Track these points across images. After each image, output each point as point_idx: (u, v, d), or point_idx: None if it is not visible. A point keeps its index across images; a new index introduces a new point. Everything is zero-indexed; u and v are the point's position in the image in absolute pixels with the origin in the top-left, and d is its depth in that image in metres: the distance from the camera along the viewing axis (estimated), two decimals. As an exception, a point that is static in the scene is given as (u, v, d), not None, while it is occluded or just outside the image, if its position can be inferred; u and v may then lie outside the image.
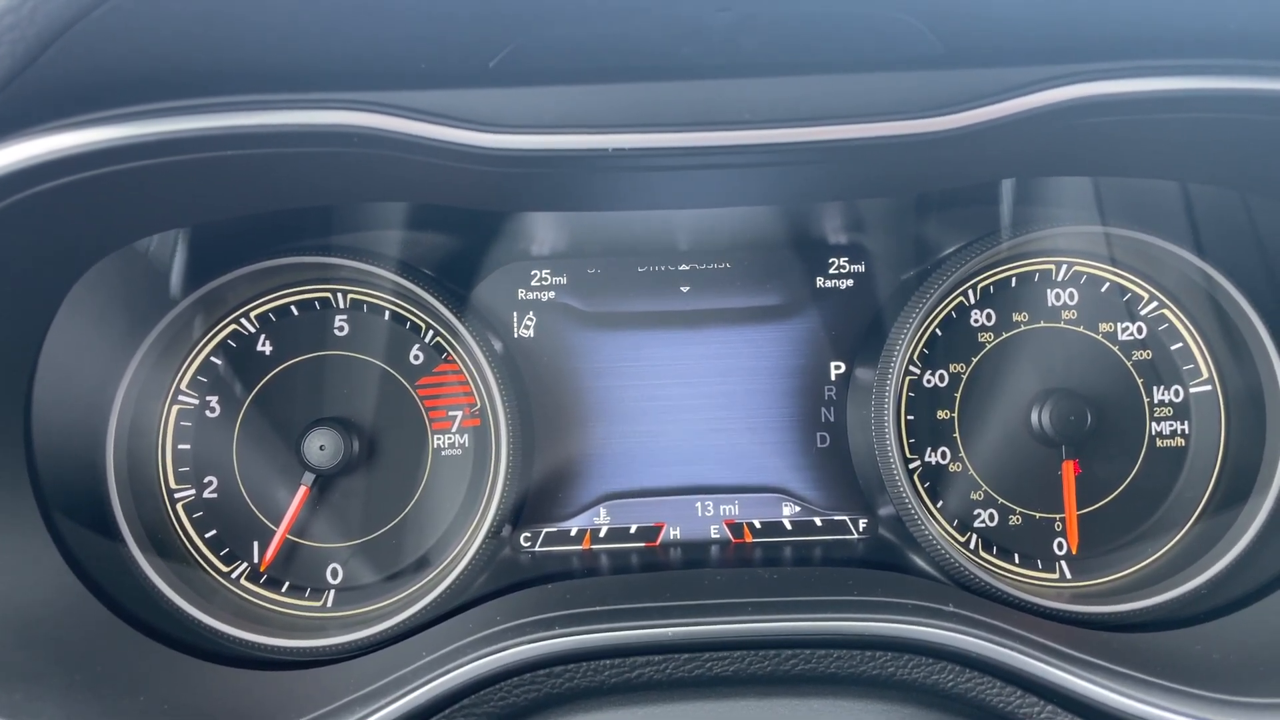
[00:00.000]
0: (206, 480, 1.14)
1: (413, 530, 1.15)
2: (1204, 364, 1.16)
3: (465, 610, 1.03)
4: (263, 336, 1.15)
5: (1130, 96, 0.80)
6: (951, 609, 0.90)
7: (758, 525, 1.18)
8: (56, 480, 1.02)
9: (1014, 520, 1.15)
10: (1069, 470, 1.13)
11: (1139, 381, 1.16)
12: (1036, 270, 1.17)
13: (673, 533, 1.18)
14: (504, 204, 1.04)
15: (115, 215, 0.89)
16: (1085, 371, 1.15)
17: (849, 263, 1.20)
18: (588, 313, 1.19)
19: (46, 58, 0.68)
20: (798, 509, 1.18)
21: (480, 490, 1.14)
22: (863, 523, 1.18)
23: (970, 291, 1.16)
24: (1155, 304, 1.16)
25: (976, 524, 1.15)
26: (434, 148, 0.79)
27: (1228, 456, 1.15)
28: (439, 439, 1.16)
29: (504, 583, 1.13)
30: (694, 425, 1.19)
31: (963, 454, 1.16)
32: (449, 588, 1.09)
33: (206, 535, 1.14)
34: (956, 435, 1.16)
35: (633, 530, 1.18)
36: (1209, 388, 1.16)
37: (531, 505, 1.18)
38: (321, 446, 1.10)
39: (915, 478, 1.15)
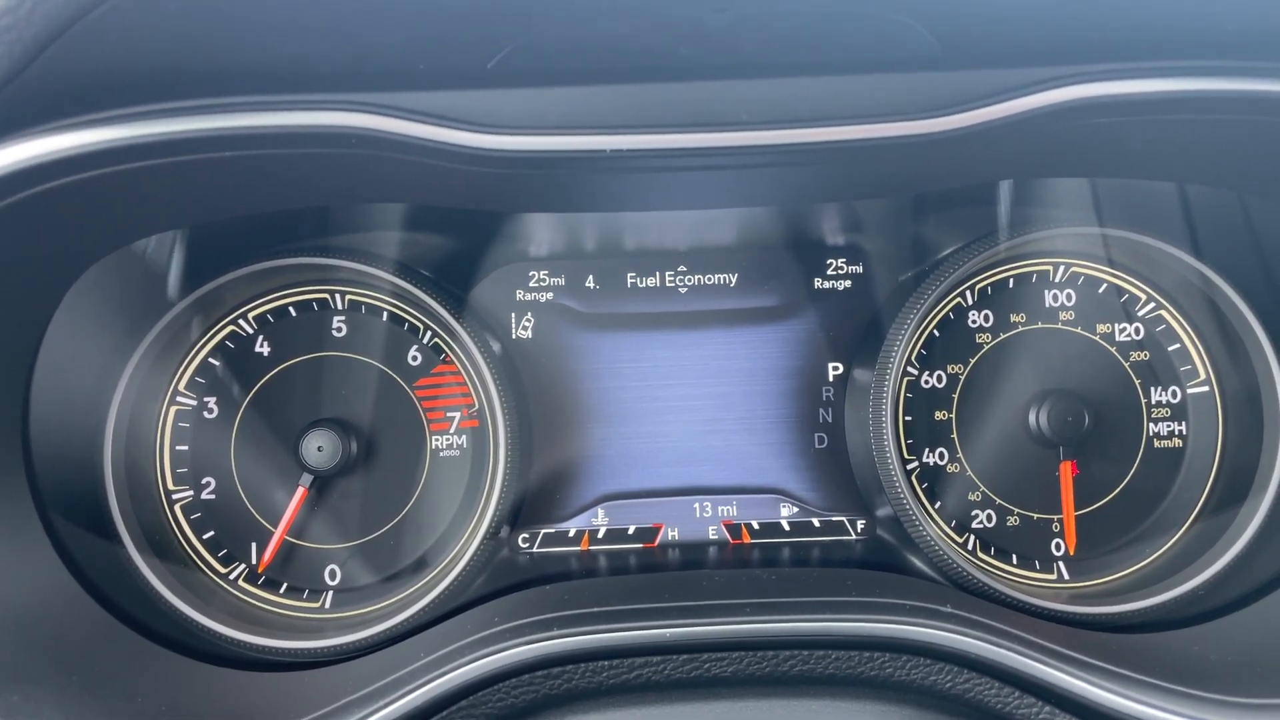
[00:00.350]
0: (204, 481, 1.14)
1: (411, 531, 1.15)
2: (1201, 365, 1.16)
3: (463, 611, 1.03)
4: (261, 337, 1.15)
5: (1128, 98, 0.80)
6: (949, 610, 0.90)
7: (756, 526, 1.18)
8: (54, 481, 1.02)
9: (1012, 521, 1.15)
10: (1067, 471, 1.13)
11: (1137, 382, 1.16)
12: (1034, 271, 1.17)
13: (671, 534, 1.18)
14: (502, 205, 1.04)
15: (113, 216, 0.89)
16: (1083, 372, 1.16)
17: (847, 264, 1.20)
18: (586, 314, 1.19)
19: (44, 59, 0.68)
20: (796, 510, 1.18)
21: (478, 491, 1.14)
22: (861, 524, 1.18)
23: (968, 292, 1.17)
24: (1153, 305, 1.16)
25: (974, 525, 1.15)
26: (432, 149, 0.79)
27: (1225, 457, 1.15)
28: (437, 440, 1.16)
29: (502, 584, 1.13)
30: (692, 426, 1.19)
31: (960, 455, 1.16)
32: (447, 589, 1.09)
33: (204, 536, 1.14)
34: (954, 436, 1.16)
35: (631, 531, 1.18)
36: (1206, 389, 1.16)
37: (530, 506, 1.18)
38: (319, 447, 1.10)
39: (913, 478, 1.15)
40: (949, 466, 1.16)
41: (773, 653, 0.87)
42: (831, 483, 1.19)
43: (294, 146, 0.80)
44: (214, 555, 1.14)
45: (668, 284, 1.20)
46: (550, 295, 1.19)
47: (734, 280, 1.20)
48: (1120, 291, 1.17)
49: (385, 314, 1.16)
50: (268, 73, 0.77)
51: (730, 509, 1.18)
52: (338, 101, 0.78)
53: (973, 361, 1.16)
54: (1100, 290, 1.17)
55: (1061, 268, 1.17)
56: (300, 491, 1.12)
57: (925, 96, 0.80)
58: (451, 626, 0.99)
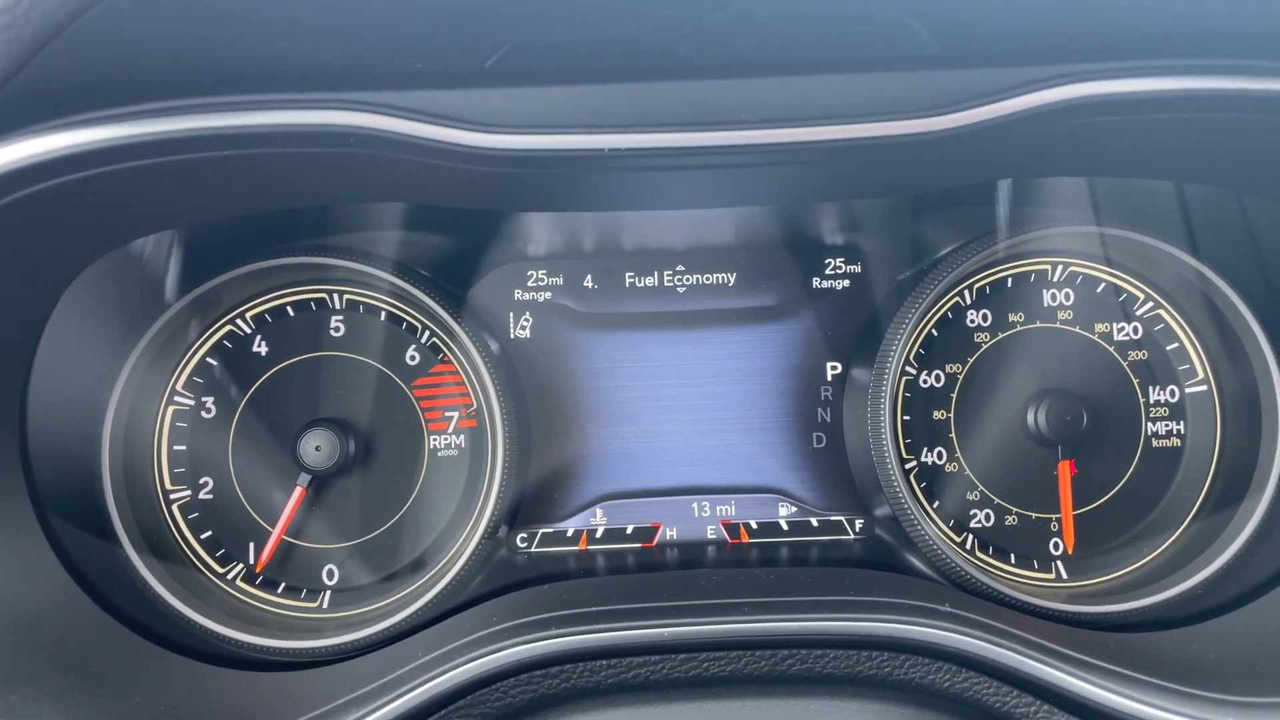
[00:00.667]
0: (202, 481, 1.14)
1: (409, 531, 1.15)
2: (1199, 364, 1.16)
3: (462, 611, 1.03)
4: (258, 337, 1.15)
5: (1126, 96, 0.80)
6: (948, 609, 0.90)
7: (754, 526, 1.18)
8: (52, 482, 1.02)
9: (1010, 520, 1.15)
10: (1065, 470, 1.13)
11: (1135, 382, 1.16)
12: (1033, 270, 1.17)
13: (669, 533, 1.18)
14: (500, 204, 1.04)
15: (110, 216, 0.88)
16: (1081, 372, 1.16)
17: (845, 263, 1.20)
18: (584, 313, 1.19)
19: (41, 58, 0.68)
20: (794, 509, 1.18)
21: (476, 491, 1.14)
22: (859, 523, 1.18)
23: (966, 292, 1.17)
24: (1151, 304, 1.16)
25: (973, 524, 1.15)
26: (430, 148, 0.79)
27: (1223, 456, 1.15)
28: (435, 440, 1.15)
29: (500, 583, 1.13)
30: (690, 426, 1.19)
31: (959, 454, 1.16)
32: (445, 588, 1.09)
33: (202, 536, 1.14)
34: (953, 435, 1.16)
35: (629, 531, 1.18)
36: (1204, 388, 1.16)
37: (528, 506, 1.18)
38: (317, 447, 1.10)
39: (911, 478, 1.15)
40: (947, 466, 1.16)
41: (771, 652, 0.87)
42: (830, 482, 1.19)
43: (291, 146, 0.80)
44: (212, 555, 1.14)
45: (666, 283, 1.20)
46: (548, 295, 1.19)
47: (732, 280, 1.20)
48: (1118, 291, 1.17)
49: (383, 313, 1.16)
50: (265, 72, 0.77)
51: (728, 508, 1.18)
52: (335, 100, 0.78)
53: (971, 361, 1.16)
54: (1098, 289, 1.17)
55: (1060, 267, 1.17)
56: (298, 491, 1.12)
57: (923, 96, 0.80)
58: (450, 626, 0.99)
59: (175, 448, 1.14)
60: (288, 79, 0.77)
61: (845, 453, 1.18)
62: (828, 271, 1.20)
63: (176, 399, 1.14)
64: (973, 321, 1.16)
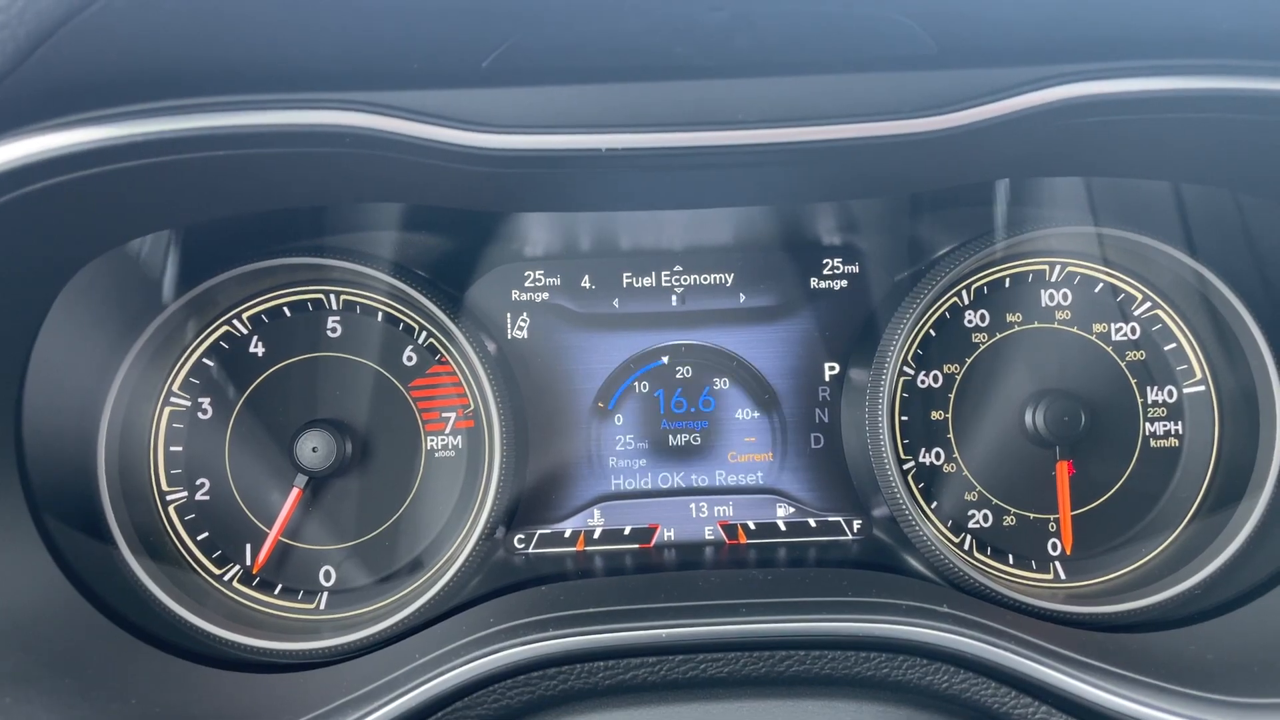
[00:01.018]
0: (199, 482, 1.14)
1: (406, 532, 1.15)
2: (1197, 364, 1.16)
3: (459, 612, 1.03)
4: (255, 338, 1.15)
5: (1124, 96, 0.80)
6: (946, 610, 0.90)
7: (752, 526, 1.18)
8: (47, 482, 1.02)
9: (1008, 521, 1.15)
10: (1063, 471, 1.13)
11: (1133, 382, 1.16)
12: (1030, 271, 1.17)
13: (667, 534, 1.18)
14: (497, 205, 1.03)
15: (106, 216, 0.88)
16: (1079, 372, 1.16)
17: (843, 263, 1.20)
18: (581, 314, 1.19)
19: (37, 57, 0.68)
20: (792, 510, 1.18)
21: (474, 492, 1.14)
22: (857, 524, 1.18)
23: (964, 292, 1.16)
24: (1149, 304, 1.16)
25: (971, 525, 1.15)
26: (427, 148, 0.79)
27: (1221, 457, 1.15)
28: (432, 441, 1.15)
29: (498, 585, 1.12)
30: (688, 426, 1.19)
31: (957, 455, 1.15)
32: (442, 590, 1.08)
33: (199, 538, 1.14)
34: (951, 436, 1.16)
35: (627, 532, 1.18)
36: (1202, 388, 1.16)
37: (525, 507, 1.17)
38: (314, 448, 1.10)
39: (909, 479, 1.15)
40: (945, 466, 1.16)
41: (769, 653, 0.87)
42: (828, 483, 1.18)
43: (288, 146, 0.79)
44: (208, 556, 1.14)
45: (663, 284, 1.19)
46: (546, 295, 1.19)
47: (730, 280, 1.19)
48: (1116, 291, 1.17)
49: (380, 314, 1.16)
50: (261, 72, 0.77)
51: (726, 509, 1.18)
52: (331, 100, 0.78)
53: (969, 361, 1.16)
54: (1096, 290, 1.17)
55: (1058, 267, 1.16)
56: (295, 492, 1.11)
57: (921, 95, 0.80)
58: (447, 627, 0.99)
59: (171, 448, 1.14)
60: (284, 79, 0.77)
61: (843, 453, 1.18)
62: (825, 272, 1.19)
63: (173, 400, 1.14)
64: (970, 322, 1.16)
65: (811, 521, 1.18)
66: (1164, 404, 1.16)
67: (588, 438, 1.18)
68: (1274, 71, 0.80)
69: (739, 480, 1.19)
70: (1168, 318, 1.16)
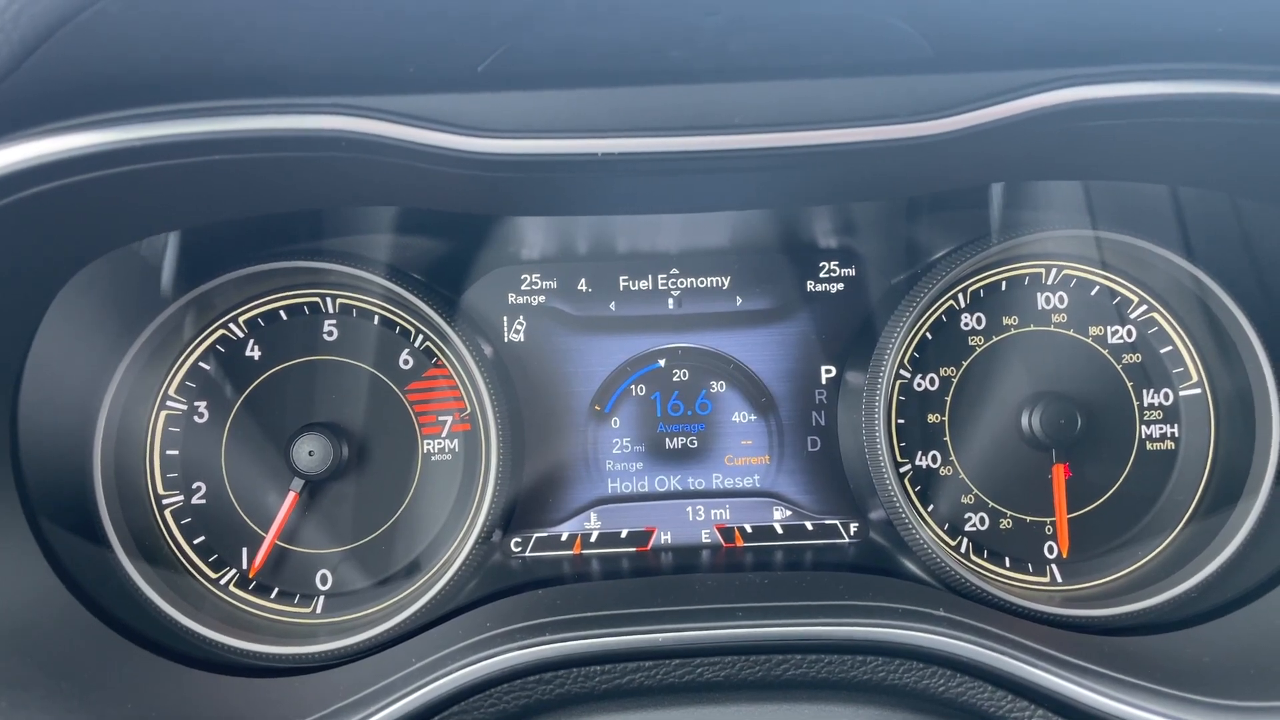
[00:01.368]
0: (195, 486, 1.14)
1: (403, 536, 1.14)
2: (1193, 367, 1.16)
3: (455, 616, 1.03)
4: (251, 341, 1.15)
5: (1120, 101, 0.80)
6: (942, 613, 0.90)
7: (748, 529, 1.18)
8: (43, 486, 1.02)
9: (1005, 524, 1.15)
10: (1059, 474, 1.13)
11: (1129, 385, 1.16)
12: (1027, 274, 1.17)
13: (664, 537, 1.18)
14: (493, 208, 1.03)
15: (101, 220, 0.88)
16: (1075, 375, 1.16)
17: (839, 266, 1.20)
18: (578, 317, 1.19)
19: (31, 62, 0.68)
20: (788, 513, 1.18)
21: (470, 495, 1.14)
22: (853, 527, 1.18)
23: (961, 295, 1.16)
24: (1145, 307, 1.16)
25: (967, 528, 1.15)
26: (422, 152, 0.79)
27: (1217, 459, 1.15)
28: (429, 444, 1.15)
29: (494, 588, 1.12)
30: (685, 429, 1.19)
31: (953, 457, 1.16)
32: (439, 593, 1.08)
33: (195, 541, 1.14)
34: (947, 439, 1.16)
35: (624, 535, 1.18)
36: (1198, 391, 1.16)
37: (522, 510, 1.17)
38: (310, 452, 1.10)
39: (906, 481, 1.15)
40: (942, 469, 1.16)
41: (765, 657, 0.87)
42: (824, 486, 1.18)
43: (284, 150, 0.79)
44: (204, 560, 1.14)
45: (660, 287, 1.19)
46: (542, 299, 1.19)
47: (726, 283, 1.19)
48: (1112, 294, 1.17)
49: (377, 318, 1.16)
50: (257, 76, 0.77)
51: (723, 512, 1.18)
52: (328, 105, 0.77)
53: (965, 364, 1.16)
54: (1092, 293, 1.17)
55: (1054, 270, 1.17)
56: (291, 496, 1.11)
57: (917, 100, 0.80)
58: (444, 631, 0.99)
59: (168, 452, 1.14)
60: (280, 83, 0.77)
61: (840, 456, 1.18)
62: (822, 275, 1.19)
63: (169, 403, 1.14)
64: (967, 325, 1.16)
65: (808, 524, 1.18)
66: (1160, 407, 1.16)
67: (584, 441, 1.18)
68: (1271, 76, 0.80)
69: (735, 483, 1.19)
70: (1164, 320, 1.16)
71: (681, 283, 1.19)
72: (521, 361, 1.18)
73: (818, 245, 1.20)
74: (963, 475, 1.15)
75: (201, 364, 1.14)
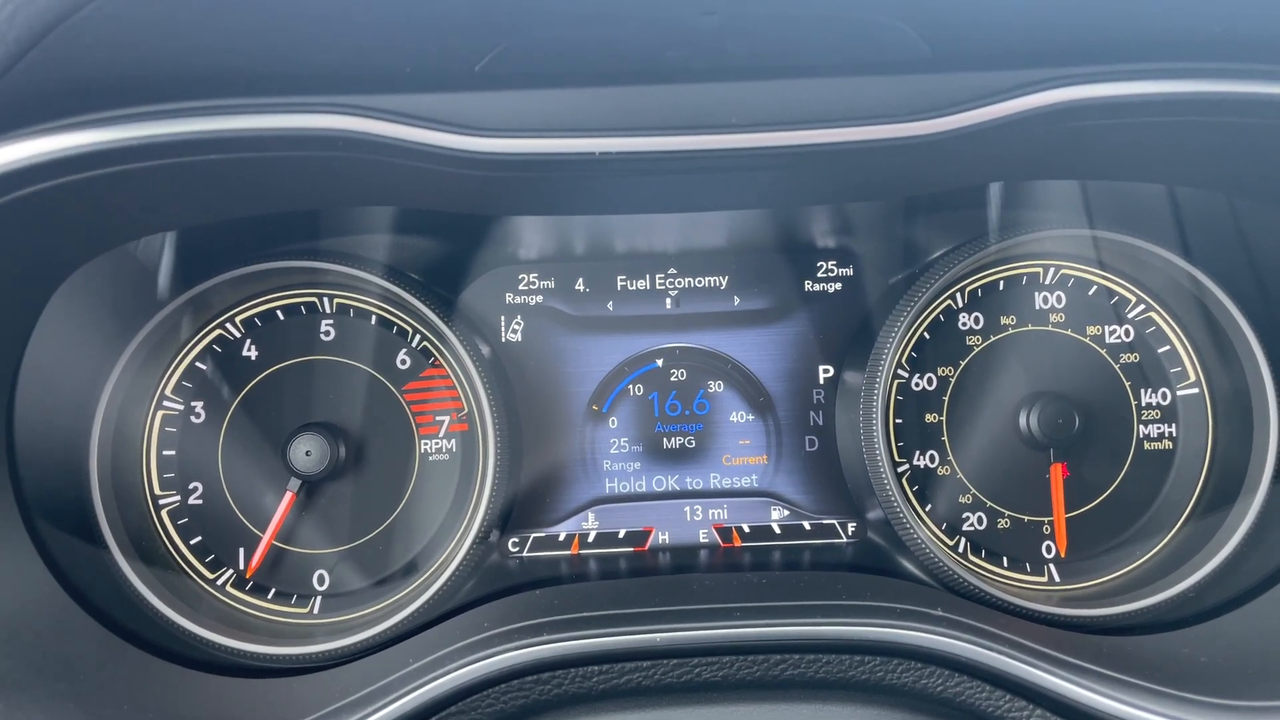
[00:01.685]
0: (191, 486, 1.13)
1: (400, 536, 1.14)
2: (1191, 367, 1.16)
3: (453, 616, 1.03)
4: (248, 341, 1.15)
5: (1118, 100, 0.80)
6: (940, 613, 0.90)
7: (746, 529, 1.18)
8: (39, 486, 1.01)
9: (1003, 523, 1.15)
10: (1057, 473, 1.13)
11: (1126, 384, 1.16)
12: (1024, 273, 1.17)
13: (661, 537, 1.18)
14: (491, 208, 1.03)
15: (98, 220, 0.88)
16: (1073, 375, 1.16)
17: (837, 266, 1.20)
18: (575, 317, 1.19)
19: (27, 62, 0.68)
20: (786, 513, 1.18)
21: (468, 495, 1.14)
22: (851, 526, 1.18)
23: (958, 295, 1.16)
24: (1143, 307, 1.16)
25: (965, 527, 1.15)
26: (420, 152, 0.78)
27: (1215, 459, 1.15)
28: (426, 444, 1.15)
29: (492, 588, 1.12)
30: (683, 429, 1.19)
31: (951, 457, 1.15)
32: (436, 593, 1.08)
33: (192, 542, 1.13)
34: (945, 438, 1.16)
35: (621, 535, 1.18)
36: (1196, 390, 1.16)
37: (519, 510, 1.17)
38: (307, 452, 1.10)
39: (904, 481, 1.15)
40: (940, 469, 1.16)
41: (763, 657, 0.87)
42: (822, 486, 1.18)
43: (280, 149, 0.79)
44: (201, 561, 1.13)
45: (658, 287, 1.19)
46: (540, 298, 1.19)
47: (724, 283, 1.19)
48: (1110, 293, 1.17)
49: (374, 317, 1.16)
50: (254, 75, 0.77)
51: (721, 512, 1.18)
52: (325, 104, 0.77)
53: (963, 364, 1.16)
54: (1090, 292, 1.17)
55: (1051, 270, 1.17)
56: (288, 496, 1.11)
57: (915, 99, 0.80)
58: (441, 632, 0.99)
59: (164, 452, 1.13)
60: (276, 83, 0.77)
61: (838, 456, 1.18)
62: (820, 274, 1.19)
63: (166, 403, 1.13)
64: (964, 324, 1.16)
65: (806, 524, 1.18)
66: (1158, 406, 1.16)
67: (582, 441, 1.18)
68: (1268, 75, 0.80)
69: (733, 483, 1.18)
70: (1161, 320, 1.16)
71: (679, 282, 1.19)
72: (519, 361, 1.18)
73: (815, 245, 1.20)
74: (960, 475, 1.15)
75: (198, 364, 1.14)
